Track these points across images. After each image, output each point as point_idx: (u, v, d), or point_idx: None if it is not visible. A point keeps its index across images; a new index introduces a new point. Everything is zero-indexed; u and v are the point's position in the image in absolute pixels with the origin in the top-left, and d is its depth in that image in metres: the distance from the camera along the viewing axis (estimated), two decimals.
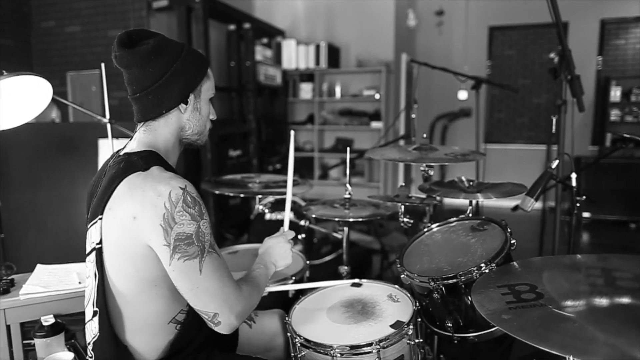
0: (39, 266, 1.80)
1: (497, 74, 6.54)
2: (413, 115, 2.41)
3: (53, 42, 4.25)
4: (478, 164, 2.56)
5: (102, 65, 2.14)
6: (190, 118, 1.15)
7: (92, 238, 1.09)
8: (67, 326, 1.67)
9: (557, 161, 1.74)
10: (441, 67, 2.66)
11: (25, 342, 1.72)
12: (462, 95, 6.08)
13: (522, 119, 6.55)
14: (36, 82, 1.80)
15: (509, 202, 1.52)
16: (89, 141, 2.86)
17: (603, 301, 0.58)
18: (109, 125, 2.10)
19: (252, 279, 1.20)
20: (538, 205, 2.90)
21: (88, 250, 1.11)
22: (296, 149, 5.79)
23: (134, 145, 1.14)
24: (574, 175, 1.84)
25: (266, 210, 2.23)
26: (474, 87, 2.56)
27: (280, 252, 1.32)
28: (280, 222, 2.08)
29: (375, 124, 5.30)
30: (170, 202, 0.97)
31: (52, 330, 1.55)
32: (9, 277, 1.68)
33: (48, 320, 1.56)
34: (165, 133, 1.14)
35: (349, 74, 5.57)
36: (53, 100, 2.07)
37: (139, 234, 0.98)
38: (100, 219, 1.05)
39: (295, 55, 5.41)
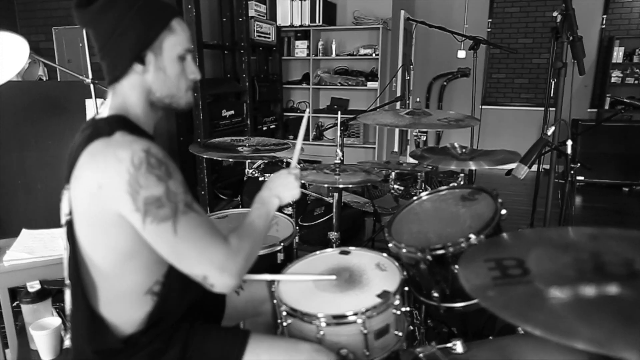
0: (24, 231, 1.78)
1: (498, 32, 6.36)
2: (408, 77, 2.33)
3: None
4: (473, 127, 2.51)
5: None
6: (155, 79, 1.05)
7: (64, 209, 1.06)
8: (54, 291, 1.67)
9: (553, 127, 1.70)
10: (439, 25, 2.55)
11: (14, 305, 1.72)
12: (461, 54, 5.93)
13: (521, 79, 6.42)
14: (11, 40, 1.71)
15: (503, 166, 1.49)
16: (76, 101, 2.77)
17: (589, 290, 0.56)
18: (92, 86, 2.03)
19: (245, 225, 1.12)
20: (533, 167, 2.89)
21: (62, 221, 1.08)
22: (290, 109, 5.72)
23: (105, 110, 1.08)
24: (569, 142, 1.80)
25: (257, 174, 2.19)
26: (472, 47, 2.47)
27: (283, 182, 1.21)
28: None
29: (372, 84, 5.18)
30: (134, 166, 0.92)
31: (39, 296, 1.56)
32: None
33: (34, 286, 1.56)
34: (131, 96, 1.06)
35: (345, 32, 5.39)
36: (34, 56, 1.99)
37: (107, 202, 0.94)
38: (68, 189, 1.02)
39: (290, 11, 5.21)
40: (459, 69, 6.46)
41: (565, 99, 2.34)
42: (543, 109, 3.16)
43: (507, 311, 0.79)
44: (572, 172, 1.94)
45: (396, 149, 5.94)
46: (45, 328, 1.51)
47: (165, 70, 1.05)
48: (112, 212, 0.95)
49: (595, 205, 4.65)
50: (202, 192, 3.93)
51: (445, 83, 6.46)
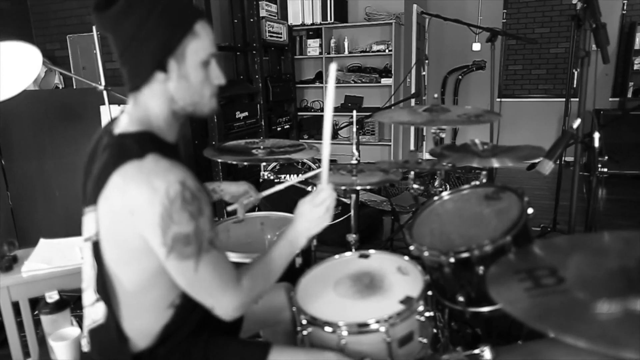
0: (41, 241, 1.78)
1: (514, 23, 6.21)
2: (423, 72, 2.27)
3: (50, 3, 4.09)
4: (492, 122, 2.44)
5: (94, 28, 2.03)
6: (178, 87, 0.99)
7: (87, 226, 1.03)
8: (74, 299, 1.67)
9: (579, 120, 1.63)
10: (454, 18, 2.48)
11: (34, 314, 1.72)
12: (477, 46, 5.81)
13: (538, 70, 6.27)
14: (23, 49, 1.71)
15: (527, 161, 1.42)
16: (91, 107, 2.78)
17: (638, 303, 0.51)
18: (105, 92, 2.02)
19: (263, 265, 1.08)
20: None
21: (85, 237, 1.05)
22: (304, 109, 5.69)
23: (126, 120, 1.02)
24: (596, 135, 1.73)
25: (271, 177, 2.16)
26: (489, 39, 2.40)
27: (314, 217, 1.10)
28: (289, 186, 2.01)
29: (386, 81, 5.11)
30: (169, 200, 0.89)
31: (57, 307, 1.55)
32: (12, 254, 1.66)
33: (52, 296, 1.55)
34: (153, 106, 1.01)
35: (357, 28, 5.33)
36: (48, 65, 1.99)
37: (137, 229, 0.92)
38: (95, 209, 0.98)
39: (301, 10, 5.18)
40: (474, 61, 6.34)
41: (588, 89, 2.26)
42: (563, 99, 3.07)
43: (544, 322, 0.74)
44: (599, 166, 1.87)
45: (412, 146, 5.86)
46: (64, 338, 1.50)
47: (189, 78, 0.99)
48: (141, 238, 0.94)
49: (620, 198, 4.50)
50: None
51: (460, 77, 6.35)
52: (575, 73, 2.29)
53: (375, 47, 5.15)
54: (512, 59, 6.36)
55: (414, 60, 5.56)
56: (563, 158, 3.67)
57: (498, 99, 6.24)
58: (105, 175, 0.94)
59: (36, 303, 1.71)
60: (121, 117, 1.05)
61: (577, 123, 1.61)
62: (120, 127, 1.02)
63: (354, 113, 1.74)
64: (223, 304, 0.99)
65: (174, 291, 1.04)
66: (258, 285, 1.05)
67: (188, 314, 1.09)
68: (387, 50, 5.05)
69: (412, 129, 5.86)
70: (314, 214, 1.11)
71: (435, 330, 1.80)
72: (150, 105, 1.01)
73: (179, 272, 0.95)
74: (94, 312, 1.04)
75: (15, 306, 1.66)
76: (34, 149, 2.87)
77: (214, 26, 3.79)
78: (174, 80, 0.98)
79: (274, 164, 4.03)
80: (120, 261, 0.99)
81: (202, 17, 1.00)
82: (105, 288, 1.01)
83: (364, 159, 2.76)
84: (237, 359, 1.13)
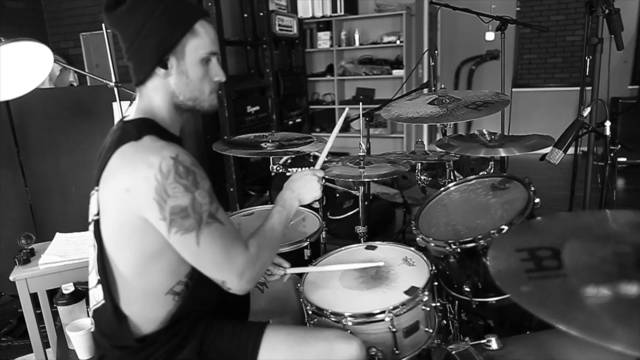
0: (57, 235, 1.82)
1: (528, 11, 6.10)
2: (432, 63, 2.25)
3: (63, 2, 4.15)
4: (503, 111, 2.41)
5: (104, 25, 2.06)
6: (178, 83, 1.04)
7: (91, 208, 1.07)
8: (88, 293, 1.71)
9: (588, 109, 1.60)
10: (463, 7, 2.45)
11: (53, 307, 1.78)
12: (490, 36, 5.72)
13: (554, 59, 6.16)
14: (35, 48, 1.74)
15: (538, 150, 1.40)
16: (104, 104, 2.83)
17: (631, 288, 0.50)
18: (115, 89, 2.05)
19: (265, 230, 1.13)
20: (570, 149, 2.74)
21: (90, 219, 1.09)
22: (315, 102, 5.69)
23: (132, 112, 1.09)
24: (607, 124, 1.70)
25: (281, 170, 2.18)
26: (499, 28, 2.36)
27: (305, 184, 1.20)
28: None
29: (397, 72, 5.08)
30: (162, 174, 0.92)
31: (73, 298, 1.59)
32: (29, 247, 1.70)
33: (68, 288, 1.60)
34: (156, 99, 1.06)
35: (367, 20, 5.29)
36: (61, 63, 2.03)
37: (134, 206, 0.95)
38: (97, 190, 1.02)
39: (311, 2, 5.16)
40: (487, 51, 6.25)
41: (603, 76, 2.21)
42: (579, 89, 3.01)
43: (544, 309, 0.73)
44: (612, 154, 1.83)
45: (425, 138, 5.82)
46: (80, 328, 1.54)
47: (188, 74, 1.04)
48: (138, 216, 0.96)
49: (639, 188, 4.41)
50: (231, 189, 3.96)
51: (473, 67, 6.27)
52: (587, 60, 2.24)
53: (386, 39, 5.11)
54: (526, 48, 6.25)
55: (435, 51, 5.50)
56: (579, 148, 3.62)
57: (513, 89, 6.17)
58: (106, 157, 0.99)
59: (54, 295, 1.76)
60: (129, 109, 1.10)
61: (587, 111, 1.58)
62: (127, 117, 1.07)
63: (360, 106, 1.74)
64: (234, 276, 1.01)
65: (172, 278, 1.06)
66: (265, 252, 1.09)
67: (194, 303, 1.11)
68: (398, 42, 5.01)
69: None
70: (305, 179, 1.21)
71: (445, 322, 1.81)
72: (153, 98, 1.06)
73: (183, 247, 0.97)
74: (97, 293, 1.07)
75: (35, 299, 1.72)
76: (49, 146, 2.93)
77: (223, 21, 3.81)
78: (174, 75, 1.03)
79: (285, 157, 4.06)
80: (117, 242, 1.02)
81: (203, 17, 1.05)
82: (104, 269, 1.04)
83: (375, 152, 2.75)
84: (233, 339, 1.14)
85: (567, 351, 1.13)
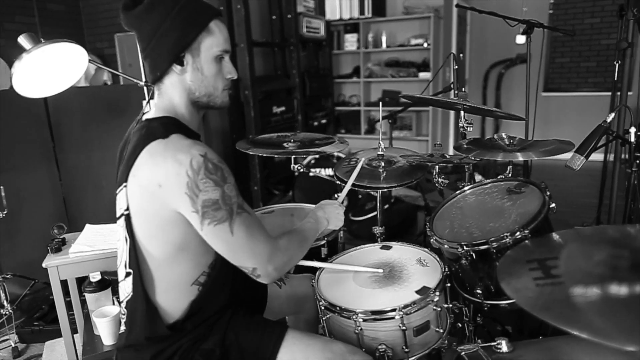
0: (87, 226, 1.91)
1: (561, 14, 5.98)
2: (455, 66, 2.25)
3: (99, 4, 4.32)
4: (528, 115, 2.38)
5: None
6: (193, 79, 1.09)
7: (120, 204, 1.13)
8: (114, 282, 1.79)
9: (612, 114, 1.57)
10: (489, 11, 2.43)
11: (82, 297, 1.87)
12: (521, 39, 5.62)
13: (588, 63, 6.00)
14: (70, 49, 1.84)
15: (564, 156, 1.39)
16: (134, 102, 2.94)
17: (620, 289, 0.51)
18: (145, 88, 2.14)
19: (297, 231, 1.22)
20: (598, 156, 2.68)
21: (117, 214, 1.15)
22: (341, 103, 5.71)
23: (152, 109, 1.14)
24: (633, 130, 1.67)
25: (302, 170, 2.21)
26: (525, 32, 2.34)
27: (335, 212, 1.38)
28: (323, 180, 2.06)
29: (424, 75, 5.05)
30: (193, 171, 0.98)
31: (100, 286, 1.67)
32: (61, 237, 1.80)
33: (95, 276, 1.68)
34: (175, 96, 1.11)
35: (395, 22, 5.29)
36: (95, 63, 2.13)
37: (166, 200, 1.00)
38: (126, 186, 1.08)
39: (339, 5, 5.19)
40: (518, 54, 6.14)
41: (635, 81, 2.16)
42: (610, 94, 2.94)
43: (548, 312, 0.74)
44: (637, 161, 1.80)
45: (451, 140, 5.76)
46: (106, 315, 1.62)
47: (203, 71, 1.10)
48: (170, 210, 1.01)
49: None
50: (255, 188, 4.03)
51: (503, 70, 6.17)
52: (617, 65, 2.19)
53: (413, 41, 5.10)
54: (559, 52, 6.12)
55: (460, 54, 5.45)
56: (609, 155, 3.52)
57: (543, 93, 6.04)
58: (134, 154, 1.04)
59: (82, 283, 1.85)
60: (148, 106, 1.15)
61: (610, 117, 1.56)
62: (148, 115, 1.13)
63: (380, 107, 1.76)
64: (264, 262, 1.06)
65: (198, 269, 1.11)
66: (292, 248, 1.16)
67: (214, 293, 1.15)
68: (425, 44, 4.99)
69: (452, 121, 5.76)
70: (335, 209, 1.38)
71: (460, 325, 1.81)
72: (172, 95, 1.11)
73: (217, 238, 1.02)
74: (127, 285, 1.13)
75: (65, 287, 1.81)
76: (83, 142, 3.06)
77: (252, 22, 3.89)
78: (189, 72, 1.09)
79: (310, 158, 4.10)
80: (150, 235, 1.07)
81: (217, 17, 1.11)
82: (137, 261, 1.10)
83: (398, 154, 2.76)
84: (255, 337, 1.18)
85: (578, 356, 1.12)
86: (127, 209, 1.09)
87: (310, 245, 1.24)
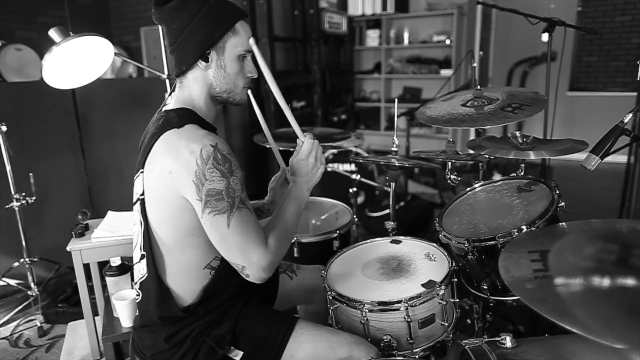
0: (109, 213, 1.99)
1: (590, 11, 5.83)
2: (474, 64, 2.24)
3: None
4: (547, 115, 2.36)
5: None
6: (216, 75, 1.15)
7: (136, 189, 1.19)
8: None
9: (630, 115, 1.55)
10: (510, 8, 2.41)
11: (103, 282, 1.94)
12: (546, 37, 5.52)
13: (616, 62, 5.85)
14: (97, 42, 1.91)
15: (568, 155, 1.37)
16: (157, 95, 3.02)
17: (604, 281, 0.52)
18: (167, 81, 2.20)
19: (281, 225, 1.17)
20: (622, 158, 2.63)
21: (134, 199, 1.21)
22: (362, 99, 5.72)
23: (172, 101, 1.19)
24: None
25: None
26: (547, 30, 2.31)
27: (307, 170, 1.22)
28: (341, 175, 2.08)
29: (446, 72, 5.02)
30: (202, 160, 1.02)
31: (120, 270, 1.74)
32: (84, 222, 1.88)
33: (116, 261, 1.75)
34: (195, 89, 1.16)
35: (418, 19, 5.26)
36: (121, 56, 2.20)
37: (175, 187, 1.05)
38: (142, 172, 1.14)
39: (361, 0, 5.19)
40: (543, 52, 6.03)
41: None
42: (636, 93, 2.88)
43: (545, 305, 0.76)
44: None
45: (472, 137, 5.71)
46: (125, 298, 1.69)
47: (226, 68, 1.15)
48: (178, 195, 1.06)
49: None
50: None
51: (527, 69, 6.06)
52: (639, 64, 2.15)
53: (435, 38, 5.07)
54: (586, 50, 5.98)
55: (477, 51, 5.39)
56: (632, 156, 3.45)
57: (568, 92, 5.92)
58: (150, 143, 1.10)
59: (103, 267, 1.93)
60: (169, 99, 1.20)
61: (627, 117, 1.54)
62: (167, 107, 1.18)
63: (396, 103, 1.78)
64: (253, 261, 1.08)
65: (209, 254, 1.16)
66: (281, 244, 1.16)
67: (226, 280, 1.20)
68: (447, 41, 4.95)
69: None
70: (306, 166, 1.22)
71: (469, 321, 1.82)
72: (192, 88, 1.16)
73: (214, 227, 1.06)
74: (142, 267, 1.19)
75: (87, 272, 1.89)
76: (108, 132, 3.17)
77: (274, 18, 3.93)
78: (213, 68, 1.14)
79: (327, 153, 4.13)
80: (161, 219, 1.13)
81: (244, 18, 1.16)
82: (150, 244, 1.16)
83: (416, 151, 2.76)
84: (265, 326, 1.23)
85: (582, 355, 1.13)
86: (142, 194, 1.15)
87: (296, 228, 1.20)
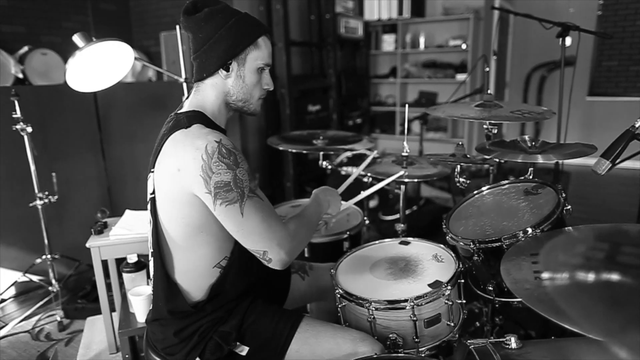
0: (127, 211, 2.06)
1: (611, 15, 5.75)
2: (487, 69, 2.25)
3: (147, 4, 4.55)
4: (560, 120, 2.35)
5: (177, 27, 2.28)
6: (234, 85, 1.20)
7: (149, 188, 1.24)
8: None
9: None
10: (524, 13, 2.41)
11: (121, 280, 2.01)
12: (566, 41, 5.47)
13: (637, 66, 5.75)
14: (120, 47, 1.98)
15: (575, 159, 1.38)
16: (176, 98, 3.10)
17: (589, 276, 0.54)
18: (184, 84, 2.27)
19: (302, 215, 1.28)
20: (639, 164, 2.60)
21: (147, 198, 1.26)
22: (377, 104, 5.74)
23: (186, 105, 1.24)
24: None
25: (330, 166, 2.29)
26: (560, 34, 2.31)
27: (332, 195, 1.45)
28: (355, 179, 2.12)
29: (461, 77, 5.01)
30: (207, 154, 1.07)
31: (136, 267, 1.80)
32: (103, 220, 1.95)
33: (132, 258, 1.81)
34: (211, 95, 1.21)
35: (434, 23, 5.27)
36: (141, 61, 2.28)
37: (184, 184, 1.10)
38: (153, 172, 1.19)
39: (378, 5, 5.22)
40: (563, 57, 5.96)
41: None
42: None
43: (542, 305, 0.77)
44: None
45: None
46: (140, 294, 1.75)
47: (245, 79, 1.20)
48: (187, 192, 1.11)
49: None
50: (288, 184, 4.13)
51: (545, 74, 6.01)
52: None
53: (452, 43, 5.07)
54: (606, 55, 5.90)
55: (493, 56, 5.37)
56: None
57: (587, 97, 5.84)
58: (160, 144, 1.16)
59: (120, 264, 1.99)
60: (184, 102, 1.25)
61: (639, 122, 1.54)
62: (180, 110, 1.24)
63: (406, 107, 1.80)
64: (274, 245, 1.12)
65: (220, 253, 1.20)
66: (302, 231, 1.23)
67: (235, 278, 1.24)
68: (463, 46, 4.95)
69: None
70: (336, 196, 1.47)
71: (478, 324, 1.83)
72: (208, 93, 1.21)
73: (228, 219, 1.10)
74: (152, 264, 1.24)
75: (106, 270, 1.96)
76: (127, 135, 3.26)
77: (290, 22, 3.99)
78: (232, 78, 1.20)
79: (342, 156, 4.16)
80: (170, 216, 1.17)
81: (266, 33, 1.22)
82: (158, 242, 1.20)
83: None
84: (271, 323, 1.26)
85: (587, 357, 1.13)
86: (153, 192, 1.20)
87: (315, 227, 1.32)
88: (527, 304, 0.77)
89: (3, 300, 2.75)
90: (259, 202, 1.12)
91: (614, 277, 0.50)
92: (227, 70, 1.18)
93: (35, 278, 2.79)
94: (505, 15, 5.57)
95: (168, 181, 1.13)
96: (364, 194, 1.57)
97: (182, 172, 1.09)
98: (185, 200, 1.12)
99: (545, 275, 0.53)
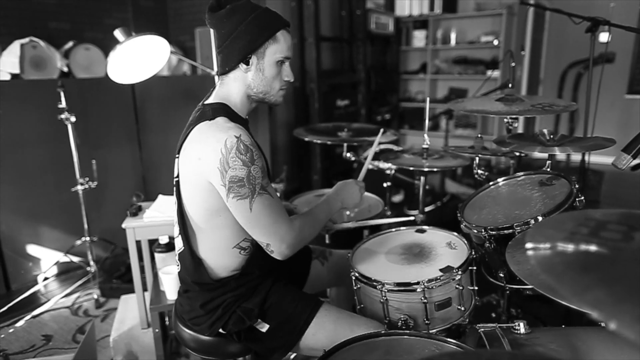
0: (160, 196, 2.18)
1: None
2: (512, 64, 2.25)
3: (183, 0, 4.70)
4: (587, 116, 2.33)
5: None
6: (254, 77, 1.26)
7: (174, 172, 1.33)
8: None
9: None
10: (553, 8, 2.39)
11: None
12: (604, 37, 5.32)
13: None
14: (157, 41, 2.10)
15: (594, 152, 1.39)
16: (208, 91, 3.23)
17: (568, 247, 0.58)
18: (216, 77, 2.37)
19: (310, 213, 1.34)
20: None
21: (173, 182, 1.36)
22: (407, 99, 5.74)
23: (212, 96, 1.33)
24: None
25: (353, 158, 2.35)
26: (589, 29, 2.28)
27: (349, 191, 1.46)
28: (379, 172, 2.19)
29: (493, 73, 4.95)
30: (226, 149, 1.14)
31: (167, 248, 1.91)
32: (138, 204, 2.07)
33: (164, 239, 1.92)
34: (234, 88, 1.28)
35: (466, 19, 5.22)
36: (177, 55, 2.39)
37: (202, 171, 1.18)
38: (178, 157, 1.29)
39: (409, 1, 5.22)
40: (600, 54, 5.77)
41: None
42: None
43: (543, 285, 0.81)
44: None
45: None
46: (170, 273, 1.86)
47: (264, 72, 1.27)
48: (205, 179, 1.19)
49: None
50: (315, 177, 4.21)
51: (582, 71, 5.84)
52: None
53: (483, 39, 5.02)
54: None
55: (527, 52, 5.27)
56: None
57: (627, 95, 5.65)
58: (187, 132, 1.25)
59: (153, 245, 2.12)
60: (210, 94, 1.34)
61: None
62: (207, 101, 1.32)
63: (427, 101, 1.84)
64: (277, 240, 1.21)
65: (238, 235, 1.28)
66: (306, 229, 1.29)
67: (257, 259, 1.32)
68: (495, 42, 4.89)
69: (521, 121, 5.57)
70: (351, 188, 1.47)
71: (494, 315, 1.86)
72: (232, 86, 1.29)
73: (238, 211, 1.19)
74: (179, 241, 1.34)
75: (139, 252, 2.08)
76: (162, 125, 3.41)
77: (321, 18, 4.06)
78: (252, 71, 1.26)
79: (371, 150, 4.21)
80: (191, 199, 1.26)
81: (285, 27, 1.27)
82: (183, 221, 1.30)
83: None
84: (291, 305, 1.34)
85: (594, 344, 1.16)
86: (177, 176, 1.30)
87: (323, 225, 1.37)
88: (525, 281, 0.81)
89: (46, 279, 2.95)
90: (269, 199, 1.19)
91: (592, 248, 0.54)
92: (247, 64, 1.24)
93: (75, 259, 2.98)
94: (540, 11, 5.46)
95: (190, 167, 1.22)
96: (367, 164, 1.63)
97: (202, 161, 1.17)
98: (202, 185, 1.20)
99: (528, 245, 0.57)
